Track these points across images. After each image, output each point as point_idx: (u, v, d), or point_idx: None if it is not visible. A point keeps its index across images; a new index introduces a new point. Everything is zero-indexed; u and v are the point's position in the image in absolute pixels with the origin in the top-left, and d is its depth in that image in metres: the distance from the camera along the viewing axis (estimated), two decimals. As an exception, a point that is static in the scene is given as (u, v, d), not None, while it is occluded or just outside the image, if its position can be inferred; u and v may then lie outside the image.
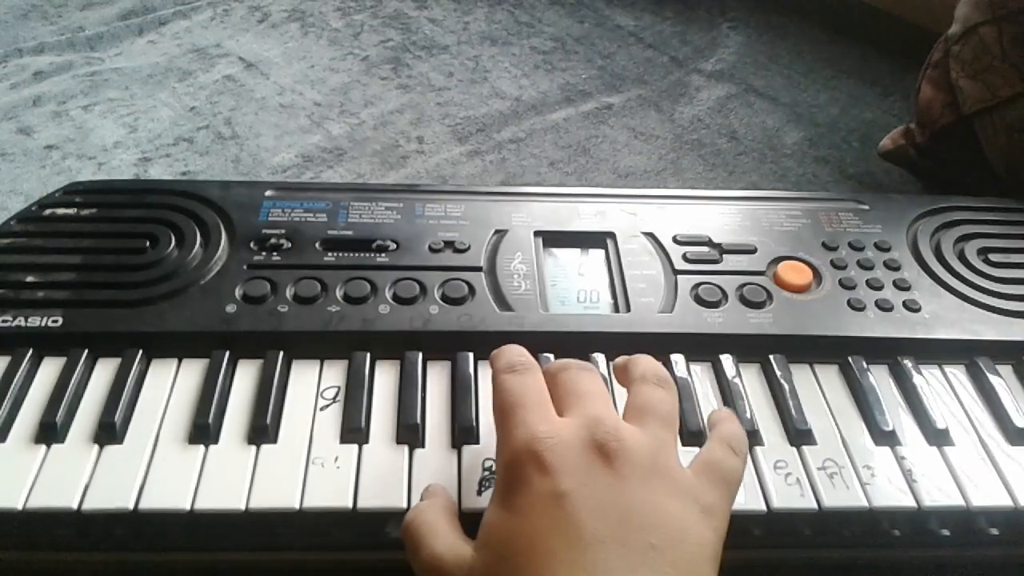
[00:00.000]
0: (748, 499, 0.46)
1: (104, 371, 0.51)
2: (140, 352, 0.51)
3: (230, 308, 0.53)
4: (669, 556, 0.36)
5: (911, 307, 0.57)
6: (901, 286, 0.58)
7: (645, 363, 0.46)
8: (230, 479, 0.46)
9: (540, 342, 0.53)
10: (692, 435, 0.49)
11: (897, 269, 0.60)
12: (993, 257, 0.62)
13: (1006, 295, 0.59)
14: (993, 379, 0.54)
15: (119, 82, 0.93)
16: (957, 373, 0.55)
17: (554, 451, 0.39)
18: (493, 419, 0.43)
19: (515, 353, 0.45)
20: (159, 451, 0.47)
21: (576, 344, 0.53)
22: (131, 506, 0.44)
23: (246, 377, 0.51)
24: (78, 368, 0.50)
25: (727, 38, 1.10)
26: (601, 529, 0.36)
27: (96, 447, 0.47)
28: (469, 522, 0.45)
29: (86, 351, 0.51)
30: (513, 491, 0.39)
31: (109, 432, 0.47)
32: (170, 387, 0.50)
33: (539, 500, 0.38)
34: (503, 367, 0.44)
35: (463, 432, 0.48)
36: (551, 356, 0.53)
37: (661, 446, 0.41)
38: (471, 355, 0.53)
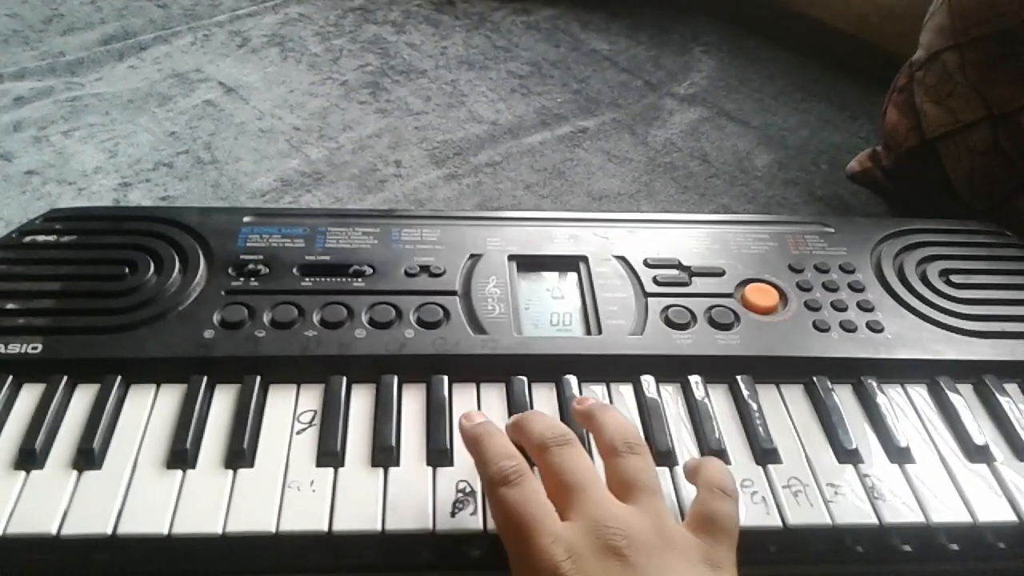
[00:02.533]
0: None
1: (83, 397, 0.52)
2: (119, 378, 0.52)
3: (208, 334, 0.54)
4: None
5: (874, 328, 0.58)
6: (865, 307, 0.60)
7: (612, 427, 0.47)
8: (207, 504, 0.46)
9: (513, 365, 0.54)
10: (662, 455, 0.51)
11: (861, 291, 0.61)
12: (954, 278, 0.63)
13: (967, 315, 0.60)
14: (953, 398, 0.55)
15: (99, 107, 0.93)
16: (919, 392, 0.57)
17: (576, 566, 0.40)
18: (499, 534, 0.44)
19: (503, 456, 0.45)
20: (137, 476, 0.48)
21: (548, 367, 0.55)
22: (109, 531, 0.45)
23: (224, 402, 0.52)
24: (57, 394, 0.51)
25: (699, 62, 1.13)
26: None
27: (75, 473, 0.47)
28: (444, 544, 0.46)
29: (65, 377, 0.52)
30: None
31: (88, 458, 0.48)
32: (148, 413, 0.51)
33: None
34: (497, 479, 0.43)
35: (437, 454, 0.49)
36: (524, 379, 0.54)
37: (658, 519, 0.43)
38: (446, 378, 0.54)
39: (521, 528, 0.42)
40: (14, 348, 0.53)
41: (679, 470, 0.50)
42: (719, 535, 0.43)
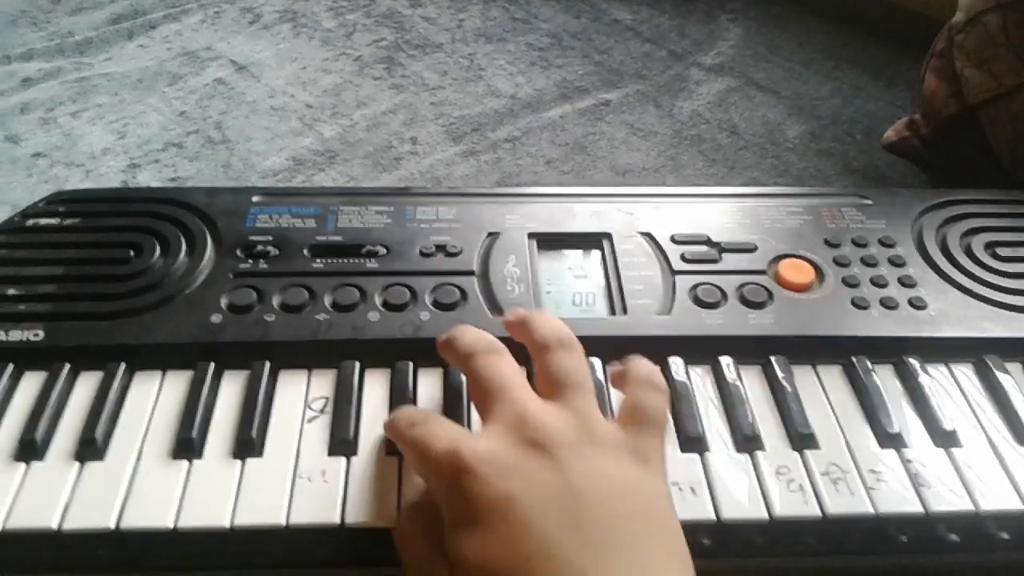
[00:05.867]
0: (750, 507, 0.45)
1: (86, 385, 0.50)
2: (123, 365, 0.50)
3: (215, 318, 0.52)
4: (631, 513, 0.38)
5: (916, 305, 0.55)
6: (906, 283, 0.57)
7: (545, 326, 0.46)
8: (214, 495, 0.44)
9: (534, 348, 0.52)
10: (692, 441, 0.48)
11: (902, 266, 0.58)
12: (1001, 251, 0.60)
13: (1014, 290, 0.57)
14: (1002, 377, 0.52)
15: (108, 87, 0.92)
16: (965, 372, 0.53)
17: (484, 458, 0.39)
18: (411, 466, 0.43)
19: (409, 412, 0.44)
20: (141, 467, 0.46)
21: (571, 349, 0.52)
22: (112, 525, 0.43)
23: (232, 389, 0.50)
24: (59, 383, 0.49)
25: (726, 30, 1.09)
26: (564, 517, 0.37)
27: (77, 464, 0.45)
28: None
29: (68, 365, 0.50)
30: (462, 508, 0.38)
31: (90, 448, 0.46)
32: (154, 401, 0.49)
33: (492, 508, 0.37)
34: (403, 426, 0.43)
35: (455, 442, 0.47)
36: (545, 361, 0.51)
37: (583, 415, 0.41)
38: (463, 362, 0.51)
39: (424, 446, 0.41)
40: (15, 335, 0.51)
41: (710, 456, 0.47)
42: (646, 426, 0.42)
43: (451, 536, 0.38)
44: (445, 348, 0.47)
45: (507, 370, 0.44)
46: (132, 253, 0.56)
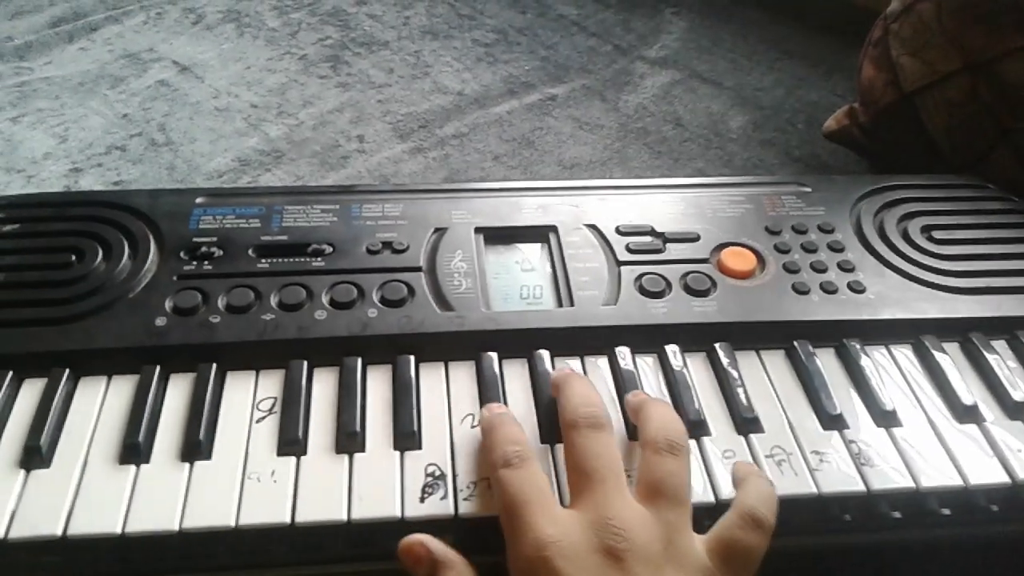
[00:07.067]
0: (697, 490, 0.45)
1: (30, 392, 0.49)
2: (67, 371, 0.49)
3: (160, 321, 0.51)
4: None
5: (856, 288, 0.56)
6: (845, 268, 0.58)
7: (659, 421, 0.46)
8: (163, 499, 0.44)
9: (483, 341, 0.52)
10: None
11: (841, 251, 0.59)
12: (936, 234, 0.61)
13: (950, 272, 0.58)
14: (940, 357, 0.53)
15: (49, 91, 0.90)
16: (904, 353, 0.55)
17: (564, 556, 0.39)
18: (500, 518, 0.43)
19: (508, 442, 0.44)
20: (88, 474, 0.45)
21: (519, 342, 0.52)
22: (59, 532, 0.42)
23: (178, 392, 0.49)
24: (2, 391, 0.48)
25: (670, 24, 1.10)
26: None
27: (22, 472, 0.45)
28: (414, 531, 0.44)
29: (11, 373, 0.49)
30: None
31: (35, 456, 0.45)
32: (99, 406, 0.48)
33: None
34: (500, 462, 0.43)
35: (404, 438, 0.47)
36: (494, 355, 0.52)
37: (671, 529, 0.41)
38: (412, 358, 0.51)
39: (515, 506, 0.41)
40: (-45, 344, 0.50)
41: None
42: (734, 563, 0.41)
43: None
44: (554, 391, 0.48)
45: (608, 455, 0.43)
46: (74, 258, 0.55)
